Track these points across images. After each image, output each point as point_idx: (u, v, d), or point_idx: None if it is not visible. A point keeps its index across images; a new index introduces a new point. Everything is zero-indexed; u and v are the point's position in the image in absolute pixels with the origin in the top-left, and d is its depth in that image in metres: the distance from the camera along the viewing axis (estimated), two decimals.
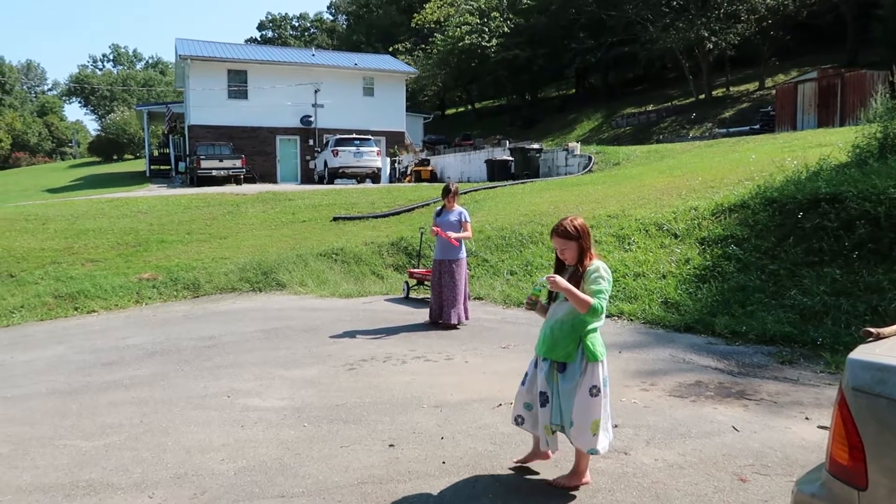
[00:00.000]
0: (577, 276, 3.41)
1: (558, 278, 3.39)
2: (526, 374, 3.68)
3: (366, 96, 32.40)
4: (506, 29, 37.25)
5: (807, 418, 4.40)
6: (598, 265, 3.42)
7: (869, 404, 1.76)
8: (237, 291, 10.96)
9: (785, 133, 19.55)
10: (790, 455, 3.81)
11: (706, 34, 28.53)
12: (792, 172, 9.56)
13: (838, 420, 1.86)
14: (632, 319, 7.41)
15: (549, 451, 3.71)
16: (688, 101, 32.97)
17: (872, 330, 2.01)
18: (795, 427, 4.25)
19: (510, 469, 3.77)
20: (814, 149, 12.26)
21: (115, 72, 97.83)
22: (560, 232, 3.44)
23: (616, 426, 4.08)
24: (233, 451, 4.22)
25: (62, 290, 10.73)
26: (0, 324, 9.67)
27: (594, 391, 3.38)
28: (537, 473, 3.72)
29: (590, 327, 3.43)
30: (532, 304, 3.65)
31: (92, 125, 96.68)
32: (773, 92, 26.00)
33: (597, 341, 3.44)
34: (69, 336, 8.50)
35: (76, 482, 3.84)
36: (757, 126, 24.05)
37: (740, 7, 28.34)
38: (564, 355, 3.43)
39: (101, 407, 5.28)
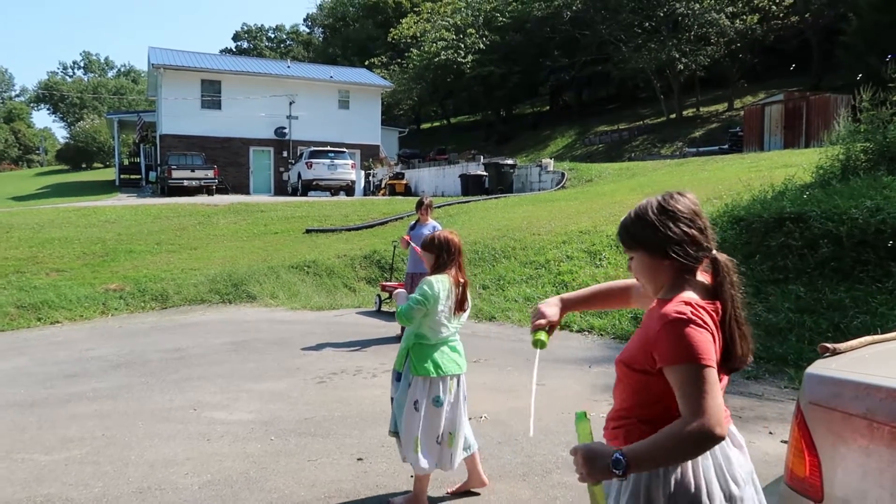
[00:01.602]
0: None
1: (399, 292, 3.65)
2: None
3: (341, 109, 32.38)
4: (481, 45, 37.59)
5: (770, 433, 4.47)
6: (430, 279, 3.46)
7: (825, 418, 1.80)
8: (207, 303, 10.82)
9: (752, 153, 19.97)
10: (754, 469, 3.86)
11: (677, 55, 29.13)
12: (758, 192, 9.76)
13: (796, 433, 1.90)
14: (602, 334, 7.48)
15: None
16: (659, 120, 33.56)
17: (829, 346, 2.06)
18: (759, 441, 4.31)
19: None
20: (780, 169, 12.54)
21: (86, 79, 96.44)
22: (423, 243, 3.64)
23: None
24: (198, 464, 4.15)
25: (25, 301, 10.48)
26: None
27: (416, 405, 3.37)
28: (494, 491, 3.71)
29: (419, 340, 3.44)
30: None
31: (60, 133, 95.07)
32: (742, 113, 26.58)
33: (423, 356, 3.40)
34: (31, 347, 8.30)
35: (33, 497, 3.74)
36: (726, 146, 24.54)
37: (710, 30, 29.02)
38: (397, 362, 3.54)
39: (62, 420, 5.16)
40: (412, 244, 7.69)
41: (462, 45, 37.70)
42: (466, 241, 11.63)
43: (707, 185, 12.59)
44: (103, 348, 7.89)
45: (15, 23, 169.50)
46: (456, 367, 3.47)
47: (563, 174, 20.79)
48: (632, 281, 1.94)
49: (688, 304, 1.61)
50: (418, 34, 41.64)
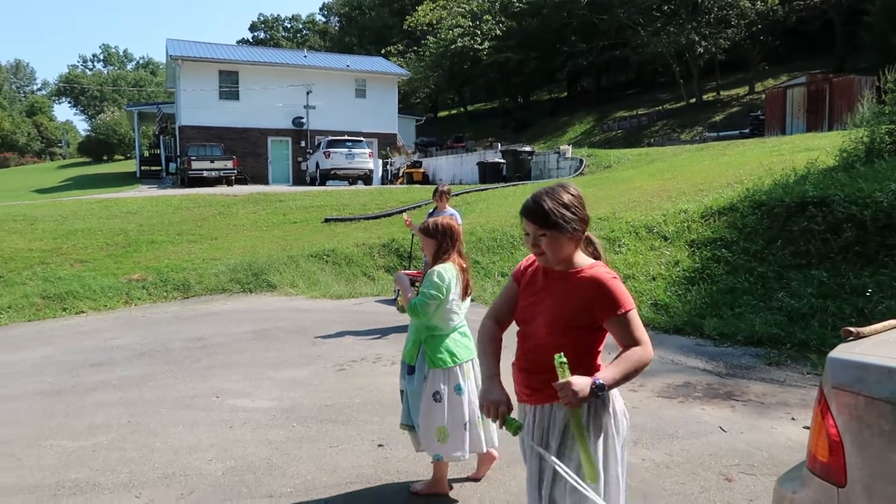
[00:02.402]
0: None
1: (400, 275, 3.58)
2: None
3: (358, 98, 32.39)
4: (498, 32, 37.36)
5: (793, 419, 4.44)
6: (438, 268, 3.42)
7: (848, 402, 1.78)
8: (227, 292, 10.93)
9: (774, 137, 19.69)
10: (776, 455, 3.85)
11: (697, 39, 28.74)
12: (780, 176, 9.63)
13: (818, 418, 1.88)
14: None
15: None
16: (679, 104, 33.17)
17: (852, 329, 2.04)
18: (781, 427, 4.29)
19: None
20: (802, 153, 12.35)
21: (106, 72, 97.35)
22: (422, 228, 3.57)
23: None
24: (221, 451, 4.21)
25: (50, 291, 10.66)
26: None
27: (437, 397, 3.36)
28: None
29: (430, 332, 3.42)
30: (401, 309, 3.76)
31: (82, 125, 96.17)
32: (763, 96, 26.19)
33: (438, 348, 3.39)
34: (57, 337, 8.45)
35: (62, 482, 3.82)
36: (747, 130, 24.22)
37: (730, 12, 28.56)
38: (408, 356, 3.49)
39: (89, 407, 5.26)
40: (414, 228, 7.72)
41: (478, 32, 37.50)
42: (484, 229, 11.64)
43: (728, 169, 12.44)
44: (127, 337, 8.01)
45: (35, 17, 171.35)
46: (469, 352, 3.48)
47: (581, 161, 20.66)
48: (494, 330, 2.40)
49: (604, 267, 2.18)
50: (434, 21, 41.47)
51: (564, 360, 2.01)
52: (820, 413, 1.87)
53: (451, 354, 3.40)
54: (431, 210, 8.09)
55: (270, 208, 17.11)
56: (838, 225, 7.30)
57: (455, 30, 37.84)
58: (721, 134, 24.78)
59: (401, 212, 15.13)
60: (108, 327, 8.87)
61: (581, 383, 1.96)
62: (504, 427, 2.12)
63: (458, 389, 3.39)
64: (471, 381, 3.46)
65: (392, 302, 9.62)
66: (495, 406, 2.14)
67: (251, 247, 13.07)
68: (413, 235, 10.70)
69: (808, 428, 4.25)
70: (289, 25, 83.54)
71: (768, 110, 23.58)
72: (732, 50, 30.03)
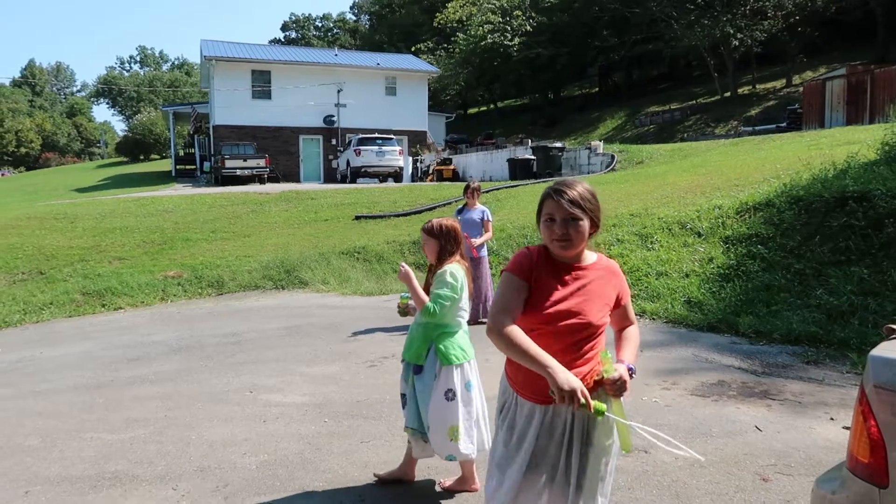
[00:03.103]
0: (433, 275, 3.46)
1: (406, 270, 3.46)
2: None
3: (388, 96, 32.52)
4: (528, 27, 37.13)
5: (832, 419, 4.34)
6: (448, 269, 3.41)
7: (891, 401, 1.73)
8: (260, 289, 11.08)
9: (812, 131, 19.24)
10: (814, 455, 3.76)
11: (732, 31, 28.18)
12: (819, 170, 9.41)
13: (859, 417, 1.84)
14: (654, 318, 7.35)
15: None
16: (713, 98, 32.61)
17: (895, 327, 1.98)
18: (820, 427, 4.19)
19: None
20: (842, 147, 12.06)
21: (142, 73, 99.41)
22: (424, 227, 3.54)
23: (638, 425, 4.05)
24: (255, 445, 4.27)
25: (90, 288, 10.93)
26: (30, 320, 9.88)
27: (449, 395, 3.34)
28: None
29: (441, 330, 3.40)
30: (403, 312, 3.69)
31: (119, 126, 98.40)
32: (801, 89, 25.60)
33: (451, 345, 3.39)
34: (96, 332, 8.66)
35: (102, 474, 3.92)
36: (784, 124, 23.70)
37: (767, 3, 27.95)
38: (415, 357, 3.44)
39: (127, 401, 5.38)
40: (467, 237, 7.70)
41: (508, 28, 37.32)
42: (515, 226, 11.59)
43: (764, 164, 12.20)
44: (163, 333, 8.17)
45: (75, 21, 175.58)
46: (473, 349, 3.52)
47: (612, 156, 20.44)
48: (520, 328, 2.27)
49: (606, 258, 2.41)
50: (464, 18, 41.38)
51: (610, 354, 2.14)
52: (861, 413, 1.83)
53: (463, 351, 3.42)
54: (461, 207, 8.08)
55: (302, 206, 17.29)
56: (880, 220, 7.11)
57: (485, 26, 37.71)
58: (757, 128, 24.29)
59: (431, 209, 15.15)
60: (144, 323, 9.06)
61: (625, 372, 2.15)
62: (593, 411, 2.08)
63: (469, 386, 3.40)
64: (476, 377, 3.48)
65: None
66: (581, 391, 2.09)
67: (283, 244, 13.23)
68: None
69: (847, 428, 4.16)
70: (320, 24, 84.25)
71: (806, 103, 23.06)
72: (769, 42, 29.37)
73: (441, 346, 3.37)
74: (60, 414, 5.14)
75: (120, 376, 6.22)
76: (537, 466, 2.23)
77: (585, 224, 2.20)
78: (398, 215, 15.11)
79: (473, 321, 7.73)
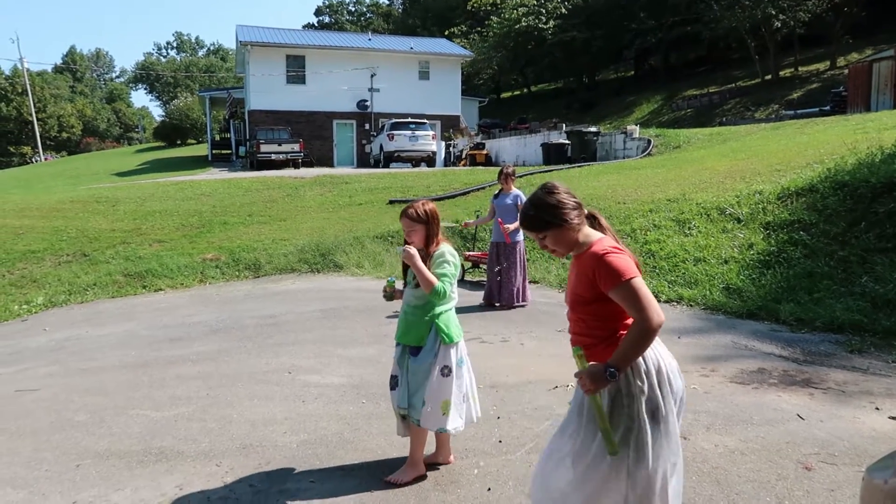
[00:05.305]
0: (425, 259, 3.45)
1: (413, 252, 3.41)
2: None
3: (421, 80, 32.45)
4: (563, 10, 36.63)
5: (877, 408, 4.25)
6: (443, 250, 3.45)
7: None
8: (296, 272, 11.21)
9: (858, 114, 18.67)
10: (858, 445, 3.70)
11: (774, 12, 27.42)
12: (865, 155, 9.15)
13: None
14: (691, 305, 7.27)
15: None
16: (753, 81, 31.83)
17: None
18: (865, 417, 4.11)
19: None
20: (889, 130, 11.69)
21: (179, 59, 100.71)
22: (408, 214, 3.49)
23: None
24: (295, 424, 4.35)
25: (131, 269, 11.19)
26: (75, 300, 10.16)
27: (445, 371, 3.40)
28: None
29: (440, 310, 3.44)
30: (389, 296, 3.68)
31: (157, 111, 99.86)
32: (846, 71, 24.84)
33: (450, 323, 3.46)
34: (138, 313, 8.87)
35: (148, 449, 4.03)
36: (827, 107, 23.04)
37: None
38: (416, 339, 3.45)
39: (170, 380, 5.52)
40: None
41: (543, 11, 36.87)
42: None
43: (807, 148, 11.90)
44: (203, 314, 8.34)
45: (114, 8, 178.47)
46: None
47: (649, 141, 20.13)
48: None
49: (605, 241, 2.35)
50: (498, 1, 41.01)
51: (582, 352, 2.27)
52: None
53: (459, 329, 3.52)
54: (497, 192, 8.06)
55: (336, 190, 17.40)
56: None
57: (519, 9, 37.30)
58: (799, 112, 23.65)
59: (465, 193, 15.13)
60: (184, 304, 9.25)
61: (595, 373, 2.19)
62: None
63: (461, 362, 3.50)
64: (466, 354, 3.57)
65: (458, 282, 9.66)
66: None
67: (318, 228, 13.35)
68: (477, 215, 10.71)
69: (894, 418, 4.07)
70: (353, 9, 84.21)
71: (851, 86, 22.36)
72: (813, 23, 28.50)
73: (442, 325, 3.44)
74: (107, 391, 5.30)
75: (162, 355, 6.37)
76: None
77: (556, 231, 2.37)
78: (432, 199, 15.10)
79: (509, 306, 7.76)
